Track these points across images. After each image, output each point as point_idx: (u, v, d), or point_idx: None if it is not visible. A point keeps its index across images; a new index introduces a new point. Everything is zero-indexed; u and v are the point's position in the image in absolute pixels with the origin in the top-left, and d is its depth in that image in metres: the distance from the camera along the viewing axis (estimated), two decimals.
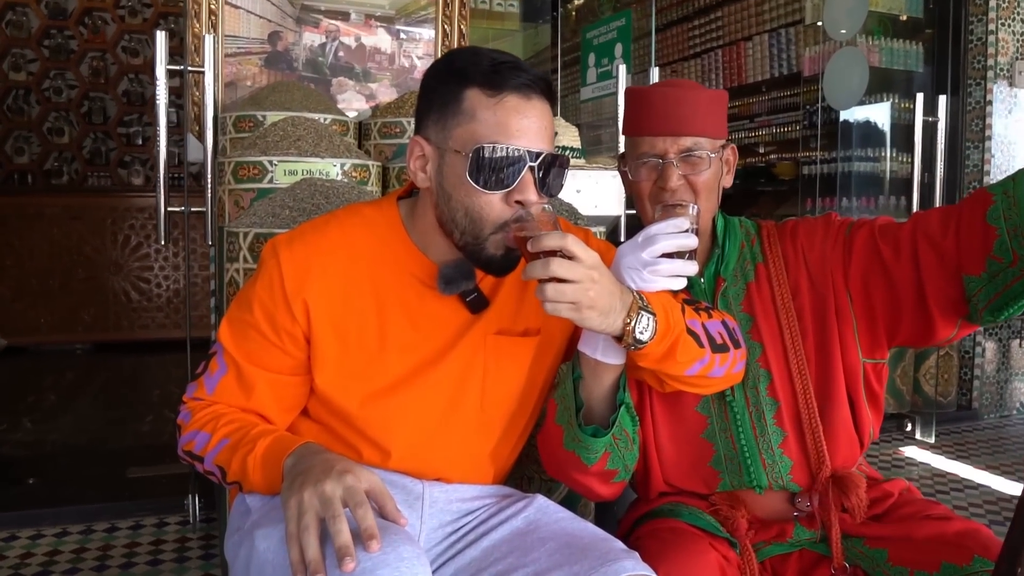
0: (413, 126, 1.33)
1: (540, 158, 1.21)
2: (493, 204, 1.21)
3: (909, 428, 4.14)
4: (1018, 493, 3.31)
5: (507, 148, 1.18)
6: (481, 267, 1.26)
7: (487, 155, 1.18)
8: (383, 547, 1.01)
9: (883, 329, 1.41)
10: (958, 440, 4.10)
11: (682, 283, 1.23)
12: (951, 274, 1.29)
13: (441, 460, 1.33)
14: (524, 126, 1.20)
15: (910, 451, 3.89)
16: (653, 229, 1.23)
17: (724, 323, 1.33)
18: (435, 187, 1.25)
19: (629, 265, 1.22)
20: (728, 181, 1.53)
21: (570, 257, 1.08)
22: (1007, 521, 3.02)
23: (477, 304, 1.31)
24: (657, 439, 1.46)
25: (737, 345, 1.34)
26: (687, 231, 1.24)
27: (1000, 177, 4.38)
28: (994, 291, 1.25)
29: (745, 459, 1.41)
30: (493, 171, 1.19)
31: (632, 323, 1.15)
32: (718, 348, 1.28)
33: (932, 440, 4.01)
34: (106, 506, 2.95)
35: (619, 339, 1.18)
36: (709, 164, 1.43)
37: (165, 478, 3.19)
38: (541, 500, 1.33)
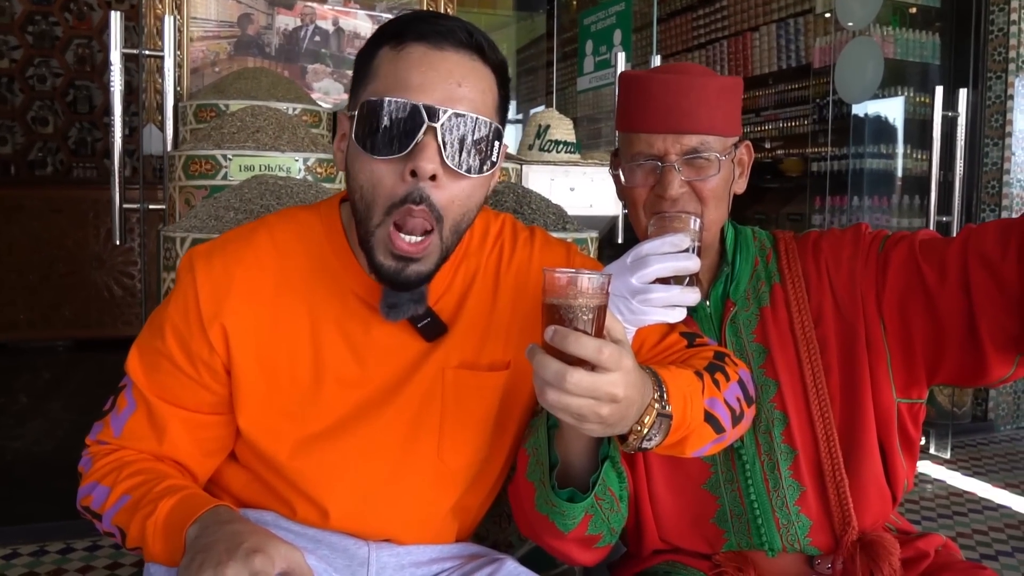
0: None
1: (444, 116, 0.95)
2: (383, 176, 0.97)
3: (923, 442, 3.92)
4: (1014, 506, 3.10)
5: (397, 102, 0.95)
6: (374, 274, 1.03)
7: (375, 110, 0.95)
8: None
9: (922, 365, 1.18)
10: (974, 454, 3.88)
11: (681, 314, 1.02)
12: (1010, 303, 1.06)
13: (391, 519, 1.11)
14: (429, 80, 0.96)
15: (924, 467, 3.68)
16: (645, 248, 1.01)
17: (740, 381, 1.10)
18: (346, 168, 1.04)
19: (615, 292, 1.00)
20: (741, 186, 1.30)
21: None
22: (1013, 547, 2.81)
23: (432, 331, 1.08)
24: (651, 488, 1.24)
25: (751, 403, 1.13)
26: (687, 250, 1.02)
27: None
28: None
29: (755, 517, 1.19)
30: (382, 131, 0.95)
31: (643, 432, 0.94)
32: (736, 420, 1.07)
33: (948, 455, 3.79)
34: (62, 524, 2.75)
35: (620, 438, 0.97)
36: (718, 168, 1.20)
37: None
38: (510, 565, 1.11)
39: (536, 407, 1.20)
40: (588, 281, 0.85)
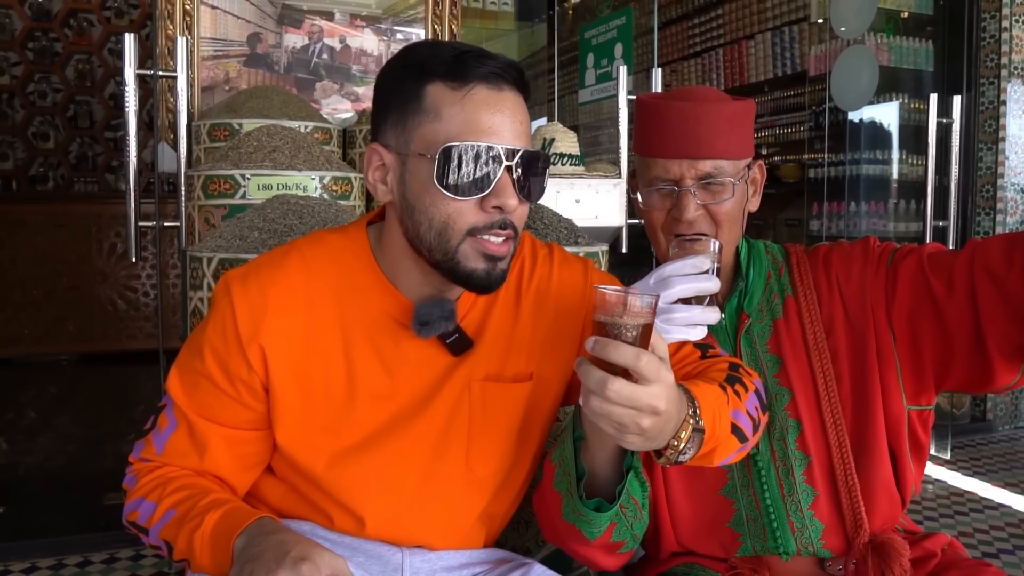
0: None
1: (517, 156, 1.03)
2: (465, 212, 1.04)
3: None
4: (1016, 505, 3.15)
5: (479, 146, 1.01)
6: (462, 284, 1.09)
7: (457, 155, 1.01)
8: None
9: (931, 373, 1.24)
10: (973, 454, 3.94)
11: (701, 332, 1.07)
12: (1015, 313, 1.12)
13: (422, 525, 1.16)
14: (497, 122, 1.03)
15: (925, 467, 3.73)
16: (667, 270, 1.06)
17: (756, 391, 1.15)
18: (398, 199, 1.08)
19: None
20: (755, 204, 1.35)
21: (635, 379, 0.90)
22: (1013, 543, 2.86)
23: (459, 346, 1.14)
24: (669, 495, 1.29)
25: (765, 411, 1.17)
26: (707, 272, 1.07)
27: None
28: None
29: (770, 521, 1.24)
30: (465, 174, 1.02)
31: (680, 445, 0.99)
32: (755, 428, 1.12)
33: (948, 456, 3.85)
34: (79, 538, 2.78)
35: (656, 453, 1.01)
36: (732, 192, 1.25)
37: None
38: (539, 569, 1.16)
39: (558, 418, 1.26)
40: (634, 300, 0.91)
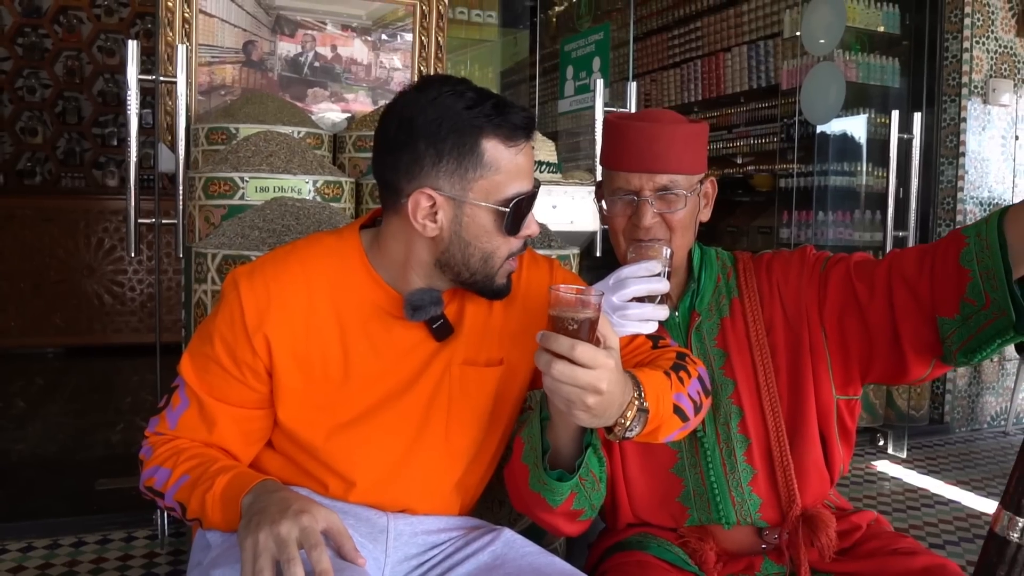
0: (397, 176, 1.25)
1: (537, 193, 1.25)
2: (512, 244, 1.25)
3: (881, 443, 4.16)
4: (986, 509, 3.34)
5: (531, 193, 1.23)
6: (489, 296, 1.29)
7: (522, 206, 1.22)
8: None
9: (856, 366, 1.41)
10: (930, 454, 4.13)
11: (653, 327, 1.23)
12: (926, 315, 1.29)
13: (406, 491, 1.31)
14: (528, 167, 1.25)
15: (882, 465, 3.91)
16: (624, 272, 1.22)
17: (699, 377, 1.31)
18: (449, 235, 1.23)
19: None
20: (706, 215, 1.51)
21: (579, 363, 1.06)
22: (976, 538, 3.04)
23: (442, 331, 1.30)
24: (626, 472, 1.45)
25: (708, 394, 1.34)
26: (658, 275, 1.23)
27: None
28: (967, 333, 1.25)
29: (714, 495, 1.40)
30: (524, 217, 1.23)
31: (626, 423, 1.15)
32: (697, 410, 1.28)
33: (904, 455, 4.04)
34: (73, 520, 2.89)
35: (607, 430, 1.17)
36: (685, 202, 1.42)
37: (134, 490, 3.12)
38: (508, 534, 1.32)
39: (526, 402, 1.42)
40: (578, 298, 1.07)
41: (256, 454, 1.33)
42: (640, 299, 1.24)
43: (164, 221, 2.60)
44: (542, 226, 1.90)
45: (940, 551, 2.91)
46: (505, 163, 1.20)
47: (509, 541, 1.30)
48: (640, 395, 1.16)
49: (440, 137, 1.19)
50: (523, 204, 1.21)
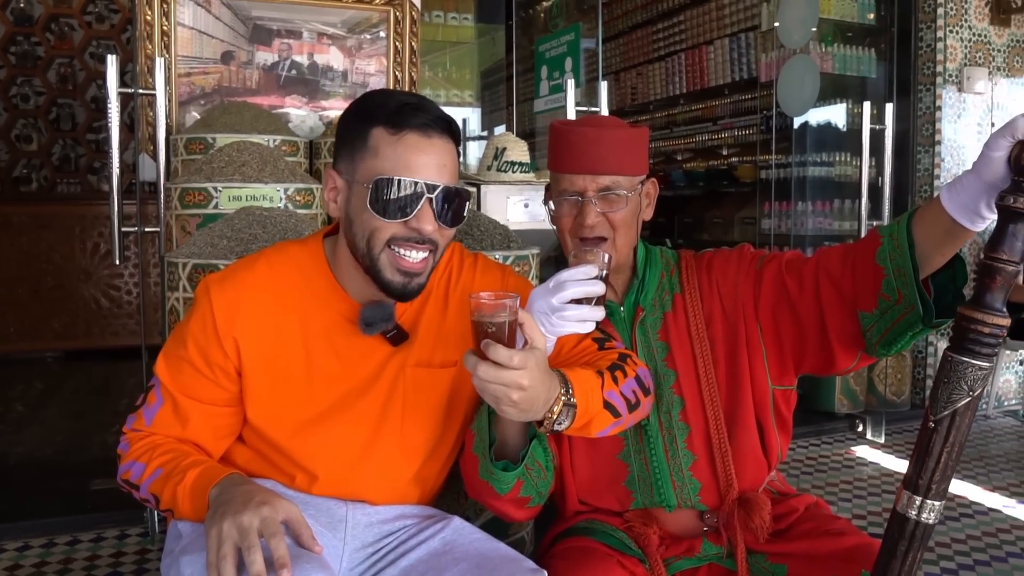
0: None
1: (437, 190, 1.29)
2: (388, 228, 1.30)
3: (860, 428, 4.24)
4: (959, 492, 3.41)
5: (405, 181, 1.27)
6: (383, 291, 1.34)
7: (387, 186, 1.27)
8: (295, 574, 1.08)
9: (790, 358, 1.49)
10: (909, 439, 4.21)
11: (590, 327, 1.31)
12: (848, 310, 1.37)
13: (365, 484, 1.41)
14: (423, 162, 1.29)
15: (861, 451, 4.00)
16: (563, 275, 1.30)
17: (637, 377, 1.39)
18: (343, 215, 1.35)
19: (539, 310, 1.30)
20: (648, 214, 1.59)
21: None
22: (947, 520, 3.12)
23: (397, 339, 1.39)
24: (573, 460, 1.53)
25: (647, 393, 1.41)
26: (595, 278, 1.31)
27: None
28: (884, 327, 1.33)
29: (657, 480, 1.49)
30: (393, 201, 1.27)
31: (553, 417, 1.23)
32: (632, 408, 1.36)
33: (882, 440, 4.12)
34: (68, 519, 2.99)
35: (537, 422, 1.25)
36: (627, 202, 1.50)
37: None
38: (458, 522, 1.41)
39: (479, 398, 1.50)
40: (494, 303, 1.16)
41: (227, 448, 1.42)
42: (578, 301, 1.32)
43: (147, 229, 2.69)
44: (502, 228, 1.98)
45: None
46: (385, 149, 1.28)
47: (459, 528, 1.39)
48: (568, 391, 1.24)
49: (344, 125, 1.35)
50: (385, 185, 1.26)
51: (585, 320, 1.31)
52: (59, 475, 3.53)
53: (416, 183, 1.27)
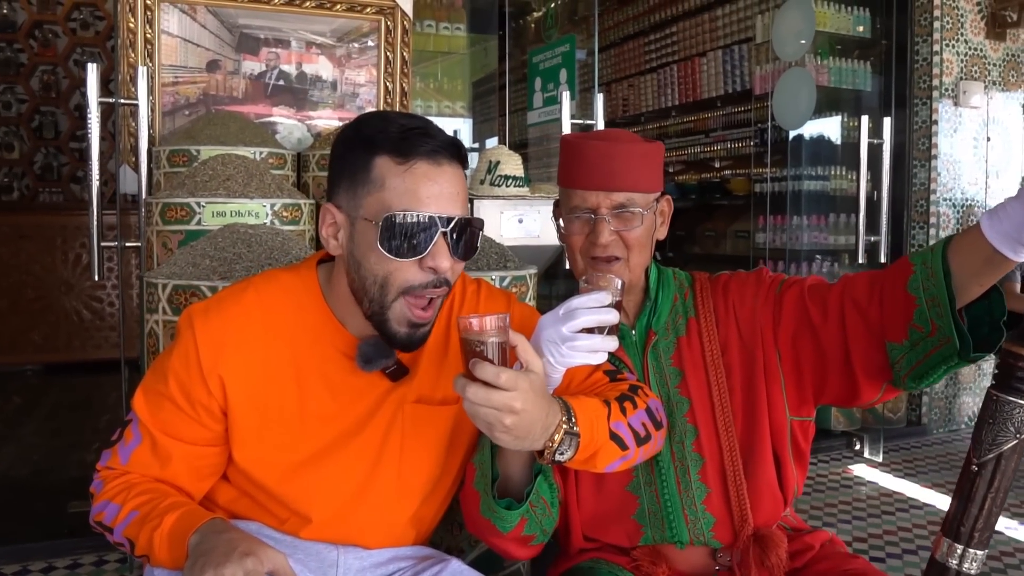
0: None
1: (452, 223, 1.19)
2: (404, 270, 1.19)
3: (858, 447, 4.17)
4: None
5: (418, 215, 1.16)
6: (387, 341, 1.24)
7: (398, 222, 1.16)
8: None
9: (810, 388, 1.41)
10: (907, 457, 4.15)
11: (602, 358, 1.22)
12: (876, 340, 1.30)
13: (359, 527, 1.31)
14: (435, 192, 1.18)
15: (859, 470, 3.93)
16: (574, 303, 1.21)
17: (648, 409, 1.31)
18: (347, 254, 1.23)
19: (548, 339, 1.21)
20: (662, 233, 1.52)
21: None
22: None
23: (396, 374, 1.29)
24: (579, 492, 1.44)
25: (659, 427, 1.33)
26: (608, 306, 1.22)
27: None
28: (915, 359, 1.25)
29: (668, 514, 1.41)
30: (405, 238, 1.16)
31: (554, 446, 1.14)
32: (642, 441, 1.27)
33: (880, 458, 4.05)
34: (43, 544, 2.88)
35: (538, 452, 1.16)
36: (642, 220, 1.42)
37: None
38: (455, 564, 1.31)
39: (481, 433, 1.41)
40: (482, 322, 1.08)
41: (209, 488, 1.32)
42: (590, 330, 1.23)
43: (128, 244, 2.59)
44: (498, 246, 1.90)
45: (912, 558, 2.92)
46: (392, 180, 1.17)
47: (456, 571, 1.30)
48: (570, 419, 1.16)
49: (341, 155, 1.23)
50: (399, 222, 1.15)
51: (597, 351, 1.22)
52: (35, 496, 3.41)
53: (430, 217, 1.17)
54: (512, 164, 2.83)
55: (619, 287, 1.29)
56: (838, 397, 1.40)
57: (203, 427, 1.25)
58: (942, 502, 3.48)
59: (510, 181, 2.80)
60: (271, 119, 3.00)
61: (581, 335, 1.21)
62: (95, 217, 2.50)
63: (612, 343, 1.23)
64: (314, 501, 1.27)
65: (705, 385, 1.44)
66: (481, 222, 1.28)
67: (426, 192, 1.17)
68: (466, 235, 1.22)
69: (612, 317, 1.23)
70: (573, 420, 1.16)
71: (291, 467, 1.26)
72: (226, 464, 1.30)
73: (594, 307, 1.22)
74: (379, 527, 1.32)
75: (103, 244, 2.54)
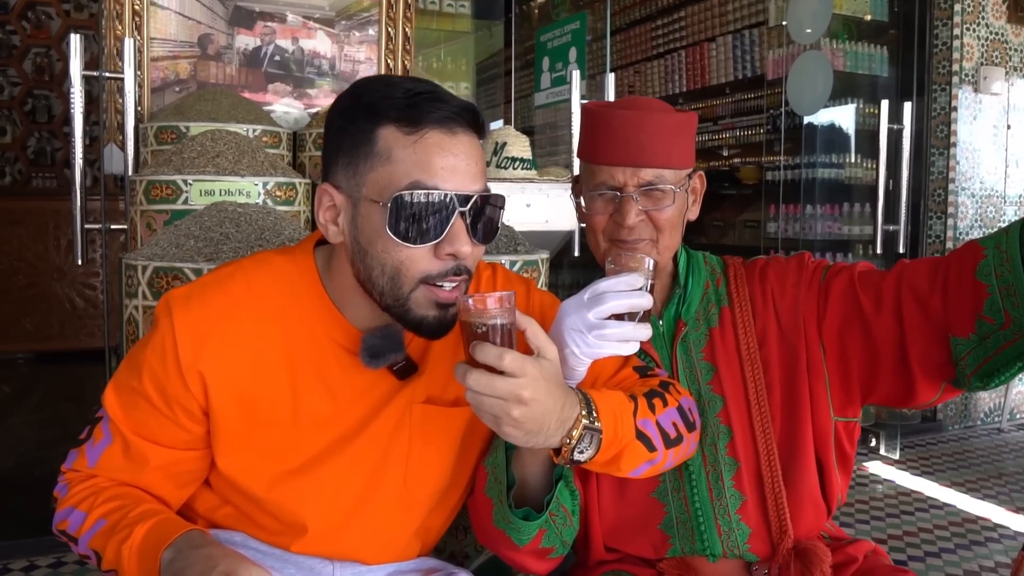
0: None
1: (471, 202, 1.02)
2: (418, 259, 1.02)
3: (873, 443, 4.04)
4: (981, 513, 3.21)
5: (432, 193, 1.00)
6: (412, 330, 1.08)
7: (409, 202, 0.99)
8: None
9: (858, 387, 1.26)
10: (923, 454, 4.02)
11: (633, 347, 1.08)
12: (938, 334, 1.15)
13: (357, 541, 1.16)
14: (450, 165, 1.01)
15: (875, 467, 3.80)
16: (602, 286, 1.07)
17: (679, 408, 1.17)
18: (349, 241, 1.06)
19: (572, 327, 1.07)
20: (694, 213, 1.37)
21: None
22: (972, 544, 2.92)
23: (405, 371, 1.14)
24: (600, 498, 1.30)
25: (692, 428, 1.19)
26: (640, 289, 1.08)
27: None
28: (984, 355, 1.11)
29: (699, 524, 1.27)
30: (417, 221, 1.00)
31: (572, 443, 1.00)
32: (672, 443, 1.14)
33: (896, 456, 3.92)
34: (25, 542, 2.75)
35: (554, 451, 1.03)
36: (673, 199, 1.27)
37: None
38: None
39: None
40: (483, 298, 0.95)
41: (188, 496, 1.18)
42: (619, 316, 1.09)
43: (113, 226, 2.45)
44: (508, 229, 1.76)
45: (935, 560, 2.79)
46: (399, 153, 1.00)
47: None
48: (591, 413, 1.02)
49: (338, 126, 1.06)
50: (411, 203, 0.99)
51: (628, 340, 1.08)
52: (18, 491, 3.28)
53: (445, 195, 1.00)
54: (519, 146, 2.69)
55: (650, 267, 1.15)
56: (889, 397, 1.25)
57: (181, 429, 1.10)
58: (962, 501, 3.35)
59: (517, 163, 2.66)
60: (266, 97, 2.85)
61: (610, 322, 1.07)
62: (77, 197, 2.36)
63: (645, 331, 1.09)
64: (308, 512, 1.12)
65: (740, 382, 1.30)
66: (502, 199, 1.10)
67: (440, 165, 1.01)
68: (486, 215, 1.06)
69: (645, 302, 1.09)
70: (595, 414, 1.02)
71: (282, 475, 1.11)
72: (208, 471, 1.16)
73: (624, 290, 1.09)
74: (380, 540, 1.17)
75: (86, 227, 2.40)
